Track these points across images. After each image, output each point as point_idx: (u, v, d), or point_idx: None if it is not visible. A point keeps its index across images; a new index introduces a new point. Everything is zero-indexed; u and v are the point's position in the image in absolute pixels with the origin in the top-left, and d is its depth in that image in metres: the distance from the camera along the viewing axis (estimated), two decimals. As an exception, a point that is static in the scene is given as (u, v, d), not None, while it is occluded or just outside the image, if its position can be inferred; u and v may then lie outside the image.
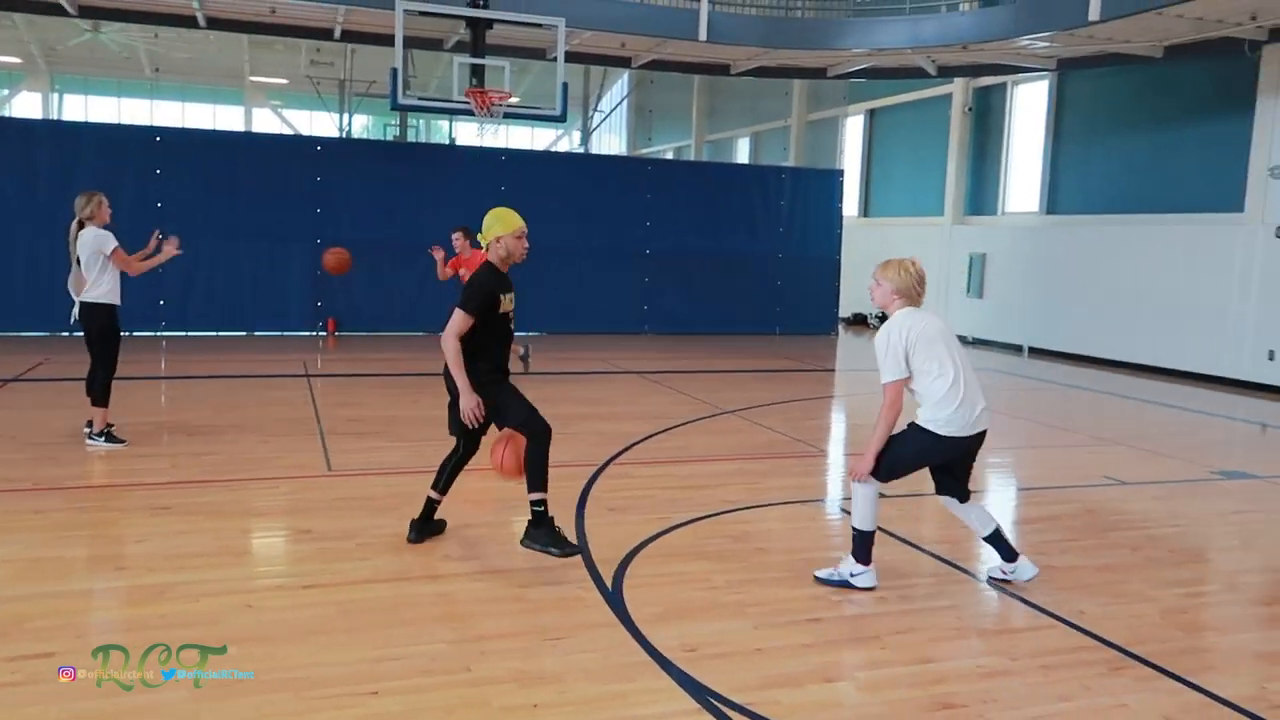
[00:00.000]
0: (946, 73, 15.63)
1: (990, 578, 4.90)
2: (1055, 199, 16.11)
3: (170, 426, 8.18)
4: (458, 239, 9.91)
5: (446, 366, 4.91)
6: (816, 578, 4.76)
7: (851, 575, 4.70)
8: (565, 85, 11.29)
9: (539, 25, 11.07)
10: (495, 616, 4.24)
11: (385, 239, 14.58)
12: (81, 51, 28.28)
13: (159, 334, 13.87)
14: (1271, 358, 12.28)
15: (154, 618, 4.01)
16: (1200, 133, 13.44)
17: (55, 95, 32.40)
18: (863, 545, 4.69)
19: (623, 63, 15.67)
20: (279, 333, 14.65)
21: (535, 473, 4.78)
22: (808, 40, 13.93)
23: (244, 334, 14.60)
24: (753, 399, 10.36)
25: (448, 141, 28.95)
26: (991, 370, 14.14)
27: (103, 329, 7.07)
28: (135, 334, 13.53)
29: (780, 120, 23.51)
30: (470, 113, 10.95)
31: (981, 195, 17.74)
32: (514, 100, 11.28)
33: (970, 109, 17.61)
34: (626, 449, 7.66)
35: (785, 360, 14.07)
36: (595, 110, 27.57)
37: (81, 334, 7.18)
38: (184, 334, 14.14)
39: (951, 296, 17.66)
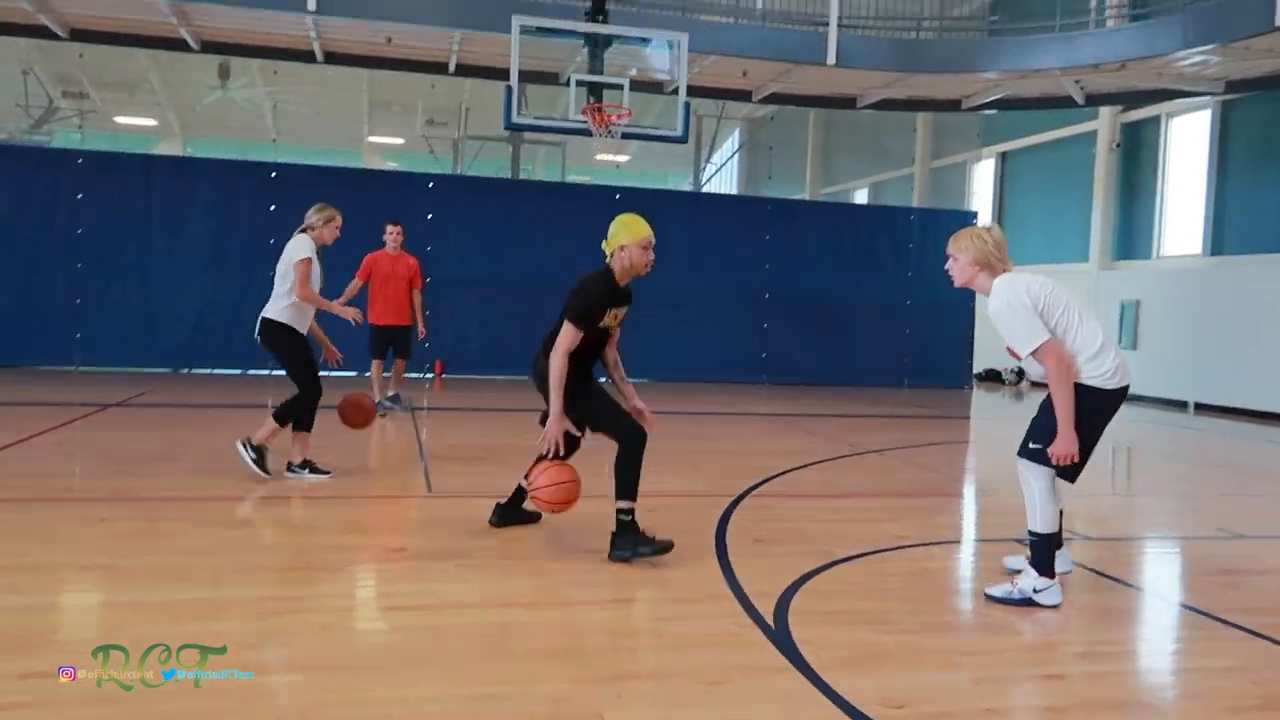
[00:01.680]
0: (1095, 101, 14.41)
1: (990, 596, 3.99)
2: (1221, 238, 14.58)
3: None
4: (395, 234, 9.29)
5: (538, 369, 4.51)
6: (990, 597, 3.91)
7: (1035, 591, 3.82)
8: (688, 105, 10.60)
9: (662, 41, 10.46)
10: (631, 652, 3.30)
11: (496, 277, 14.07)
12: (213, 112, 29.31)
13: (272, 372, 13.48)
14: None
15: (209, 634, 3.18)
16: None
17: (188, 155, 33.77)
18: (1045, 552, 3.84)
19: (743, 96, 14.98)
20: (386, 374, 14.15)
21: (625, 480, 4.32)
22: (946, 62, 12.92)
23: (354, 374, 14.15)
24: (895, 440, 9.23)
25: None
26: (1153, 424, 12.63)
27: (286, 351, 6.06)
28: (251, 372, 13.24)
29: (901, 169, 22.48)
30: (588, 132, 10.35)
31: (1132, 238, 16.29)
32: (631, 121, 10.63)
33: (1118, 145, 16.28)
34: (764, 481, 6.66)
35: (920, 408, 12.84)
36: (707, 163, 27.06)
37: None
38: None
39: (1099, 347, 16.13)
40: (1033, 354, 3.81)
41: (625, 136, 10.63)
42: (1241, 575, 4.75)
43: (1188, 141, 15.32)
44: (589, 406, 4.52)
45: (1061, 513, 4.12)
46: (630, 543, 4.31)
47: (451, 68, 14.06)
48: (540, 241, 14.25)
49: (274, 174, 13.93)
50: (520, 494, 4.91)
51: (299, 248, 6.02)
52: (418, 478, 6.39)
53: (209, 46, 13.45)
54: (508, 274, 14.11)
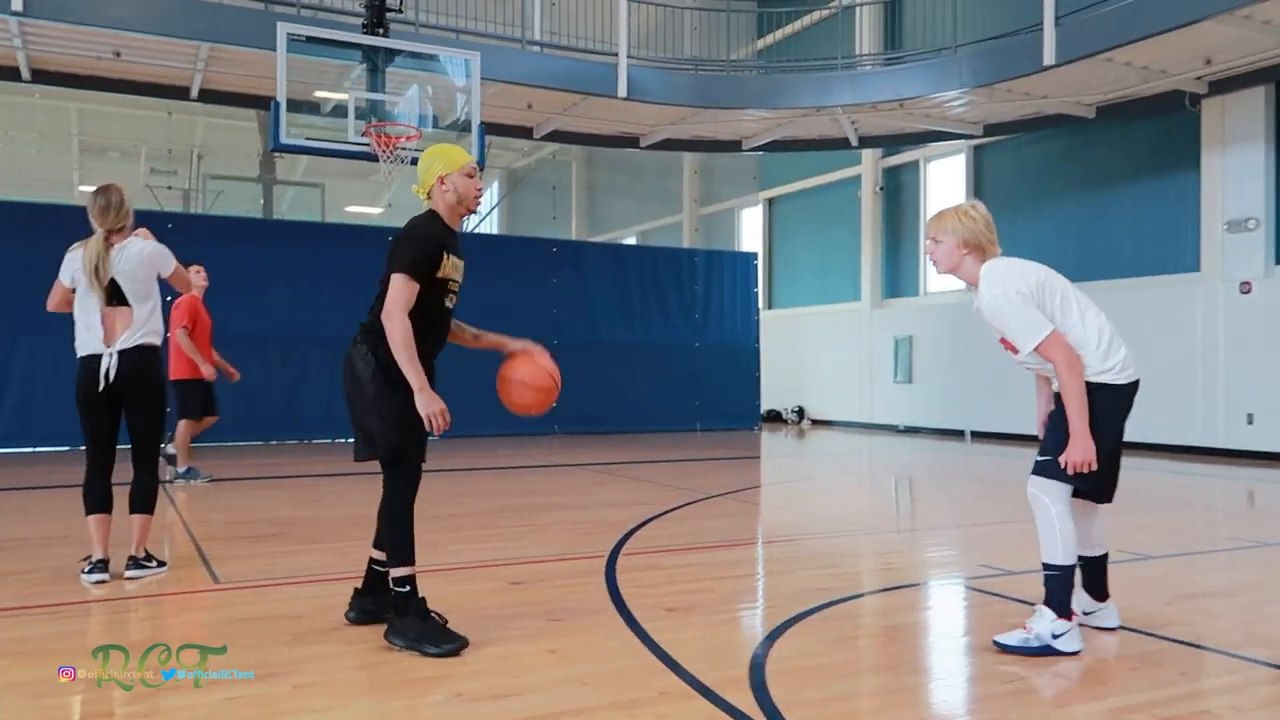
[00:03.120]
0: (866, 143, 14.87)
1: (1001, 644, 3.61)
2: (983, 274, 15.39)
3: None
4: (200, 272, 8.12)
5: (350, 361, 3.47)
6: (1001, 645, 3.30)
7: (1055, 637, 3.22)
8: (483, 128, 9.63)
9: (449, 60, 9.45)
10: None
11: (253, 331, 12.27)
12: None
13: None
14: (1250, 421, 11.47)
15: None
16: (1140, 192, 12.95)
17: None
18: (1063, 589, 3.25)
19: (524, 133, 14.18)
20: (125, 445, 11.91)
21: (398, 537, 3.36)
22: (737, 97, 12.81)
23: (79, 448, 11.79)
24: (730, 483, 8.57)
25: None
26: (935, 453, 12.90)
27: (161, 386, 4.73)
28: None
29: (670, 216, 22.54)
30: (371, 156, 9.12)
31: (899, 277, 16.94)
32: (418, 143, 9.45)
33: (881, 188, 16.97)
34: (628, 536, 5.71)
35: (725, 450, 12.35)
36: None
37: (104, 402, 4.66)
38: (21, 450, 11.27)
39: (878, 384, 16.55)
40: (1036, 350, 3.21)
41: (415, 162, 9.45)
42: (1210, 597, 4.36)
43: (944, 183, 16.17)
44: (409, 412, 3.44)
45: (1107, 555, 3.57)
46: (414, 629, 3.32)
47: (194, 93, 12.25)
48: (304, 290, 12.67)
49: (-34, 214, 11.50)
50: (375, 574, 3.66)
51: (162, 257, 4.70)
52: (195, 568, 4.90)
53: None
54: (267, 328, 12.40)
